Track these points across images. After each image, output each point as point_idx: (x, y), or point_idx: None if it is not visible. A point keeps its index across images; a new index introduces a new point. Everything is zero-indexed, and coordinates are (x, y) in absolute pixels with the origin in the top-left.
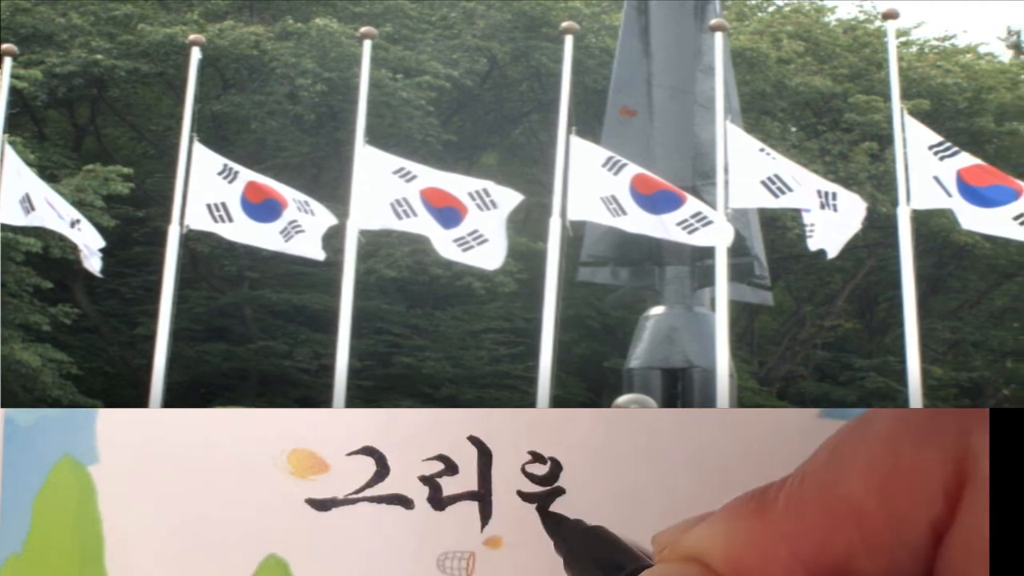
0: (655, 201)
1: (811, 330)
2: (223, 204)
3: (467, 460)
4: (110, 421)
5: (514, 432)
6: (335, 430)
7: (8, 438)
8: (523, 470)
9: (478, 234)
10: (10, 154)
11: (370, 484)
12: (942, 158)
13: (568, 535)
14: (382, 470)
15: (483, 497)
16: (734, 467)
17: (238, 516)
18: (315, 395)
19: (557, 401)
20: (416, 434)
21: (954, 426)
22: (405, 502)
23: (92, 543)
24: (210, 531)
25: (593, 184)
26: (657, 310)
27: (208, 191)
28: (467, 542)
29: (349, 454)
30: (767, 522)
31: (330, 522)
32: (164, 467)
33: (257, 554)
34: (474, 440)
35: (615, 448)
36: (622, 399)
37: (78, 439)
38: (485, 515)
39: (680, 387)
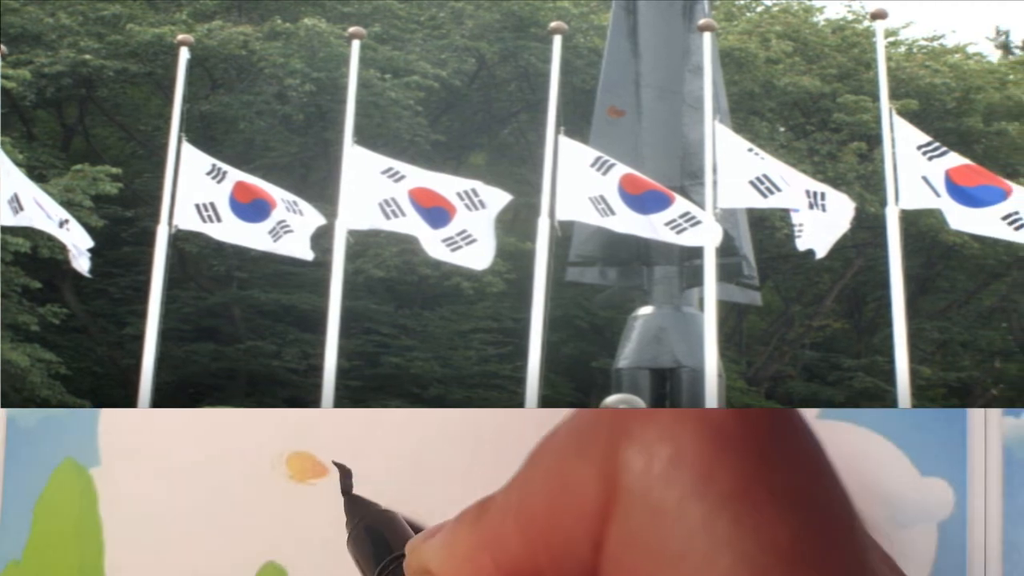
0: (643, 201)
1: (799, 330)
2: (212, 204)
3: (468, 460)
4: (112, 422)
5: (517, 431)
6: (335, 431)
7: (10, 440)
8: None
9: (466, 234)
10: None
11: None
12: (931, 158)
13: (357, 514)
14: (380, 479)
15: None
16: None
17: (237, 522)
18: (303, 395)
19: (545, 401)
20: (416, 434)
21: (605, 439)
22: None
23: (92, 549)
24: (209, 538)
25: (581, 184)
26: (645, 310)
27: (197, 191)
28: None
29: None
30: (479, 530)
31: (327, 529)
32: (164, 471)
33: (256, 561)
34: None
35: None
36: (610, 399)
37: (80, 441)
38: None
39: (668, 387)
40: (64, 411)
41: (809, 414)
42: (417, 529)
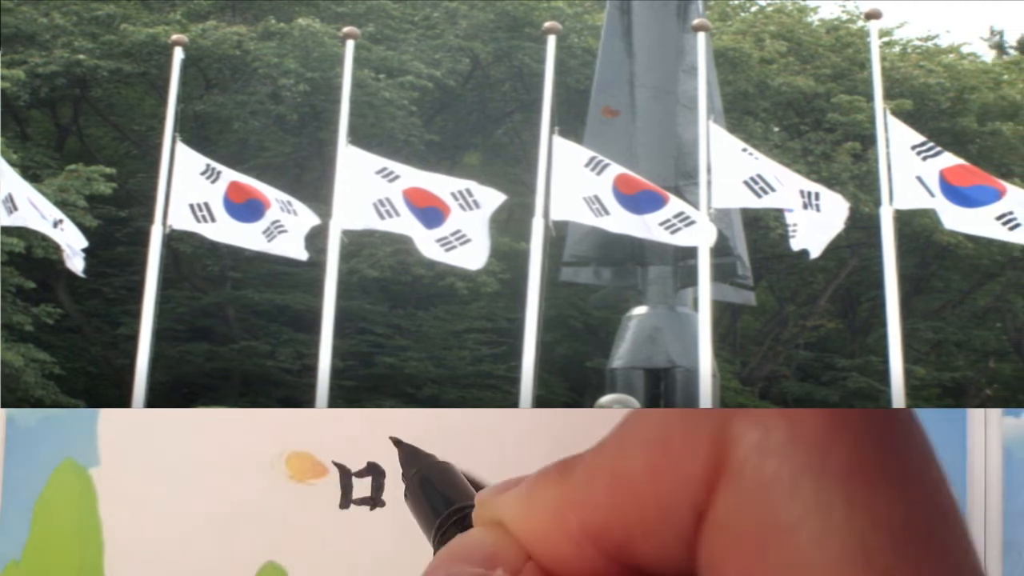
0: (638, 201)
1: (794, 330)
2: (206, 204)
3: (468, 462)
4: (111, 422)
5: (529, 434)
6: (335, 432)
7: (10, 440)
8: None
9: (461, 234)
10: None
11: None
12: (925, 158)
13: (414, 465)
14: (380, 480)
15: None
16: None
17: (236, 522)
18: (298, 395)
19: (539, 401)
20: (419, 435)
21: (721, 415)
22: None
23: (92, 550)
24: (209, 538)
25: (576, 184)
26: (640, 310)
27: (191, 191)
28: None
29: (356, 473)
30: (564, 491)
31: (328, 529)
32: (164, 471)
33: (256, 561)
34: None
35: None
36: (605, 399)
37: (79, 441)
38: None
39: (663, 387)
40: (64, 411)
41: None
42: (474, 483)
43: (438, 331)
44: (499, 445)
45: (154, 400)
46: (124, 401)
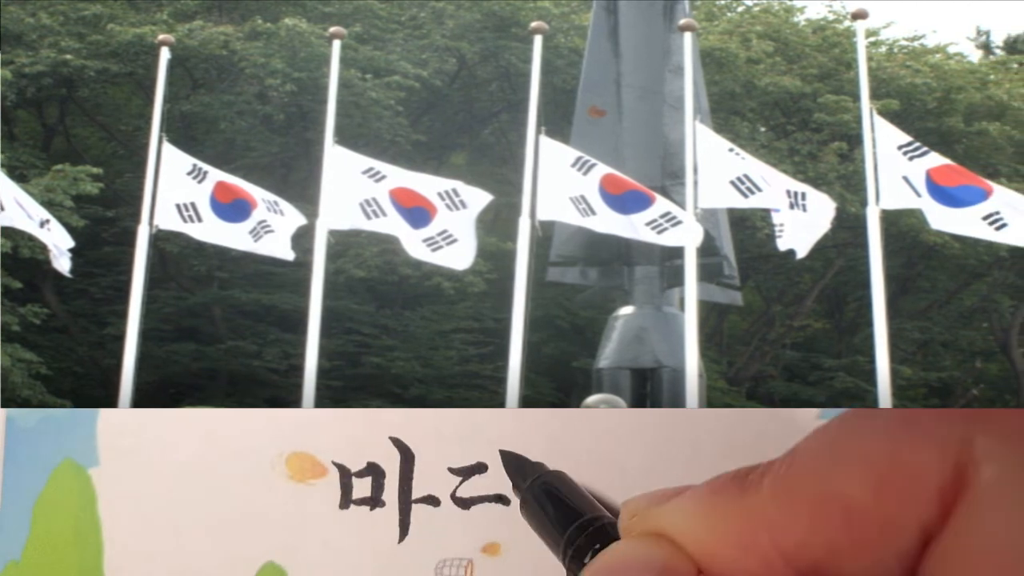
0: (624, 201)
1: (780, 330)
2: (192, 204)
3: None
4: (111, 422)
5: (530, 435)
6: (335, 432)
7: (9, 440)
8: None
9: (447, 234)
10: None
11: (372, 493)
12: (911, 158)
13: (528, 477)
14: (380, 480)
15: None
16: (732, 468)
17: (236, 523)
18: (284, 395)
19: (526, 401)
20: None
21: (959, 428)
22: (405, 509)
23: (91, 550)
24: (208, 539)
25: (562, 184)
26: (626, 310)
27: (177, 191)
28: (465, 549)
29: (356, 473)
30: (750, 507)
31: (327, 529)
32: (164, 471)
33: (255, 561)
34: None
35: (607, 448)
36: (591, 399)
37: (79, 441)
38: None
39: (649, 387)
40: (63, 411)
41: (809, 414)
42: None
43: (425, 331)
44: (504, 446)
45: (141, 400)
46: (111, 401)
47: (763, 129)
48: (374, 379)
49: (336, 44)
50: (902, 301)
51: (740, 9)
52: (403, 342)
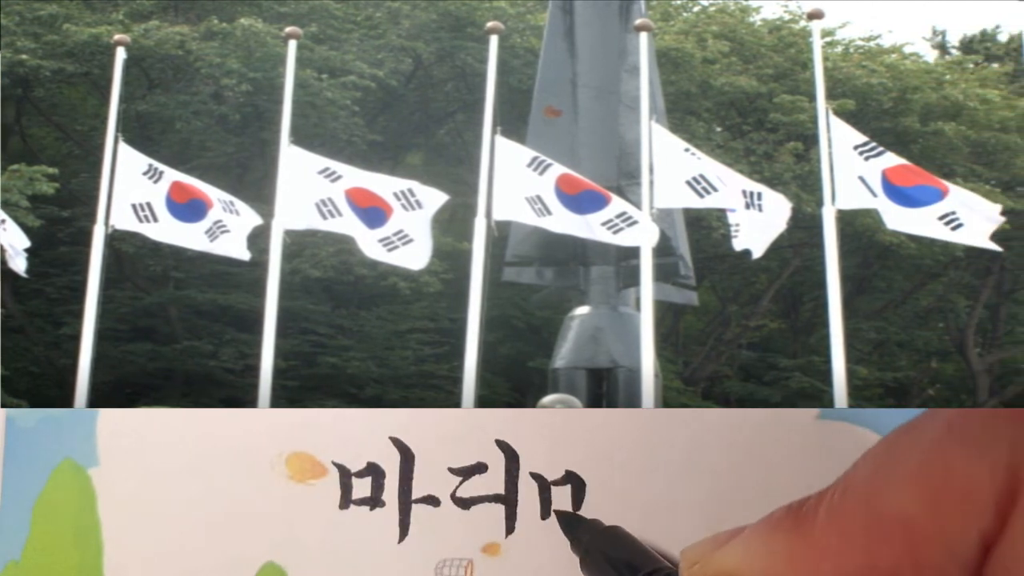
0: (580, 201)
1: (736, 330)
2: (148, 204)
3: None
4: (111, 422)
5: (529, 434)
6: (335, 432)
7: (9, 440)
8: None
9: (403, 234)
10: None
11: (372, 493)
12: (867, 158)
13: (585, 534)
14: (380, 480)
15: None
16: (730, 468)
17: (236, 522)
18: (240, 395)
19: (482, 401)
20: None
21: (1005, 430)
22: (404, 509)
23: (91, 550)
24: (208, 539)
25: (518, 184)
26: (582, 310)
27: (133, 191)
28: (465, 549)
29: (356, 473)
30: (807, 537)
31: (327, 529)
32: (164, 471)
33: (255, 561)
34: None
35: (607, 448)
36: (547, 399)
37: (79, 441)
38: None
39: (605, 387)
40: (63, 411)
41: (809, 415)
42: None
43: (380, 331)
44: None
45: (97, 400)
46: (66, 401)
47: (719, 129)
48: (330, 379)
49: (292, 44)
50: (858, 301)
51: (696, 9)
52: (359, 342)
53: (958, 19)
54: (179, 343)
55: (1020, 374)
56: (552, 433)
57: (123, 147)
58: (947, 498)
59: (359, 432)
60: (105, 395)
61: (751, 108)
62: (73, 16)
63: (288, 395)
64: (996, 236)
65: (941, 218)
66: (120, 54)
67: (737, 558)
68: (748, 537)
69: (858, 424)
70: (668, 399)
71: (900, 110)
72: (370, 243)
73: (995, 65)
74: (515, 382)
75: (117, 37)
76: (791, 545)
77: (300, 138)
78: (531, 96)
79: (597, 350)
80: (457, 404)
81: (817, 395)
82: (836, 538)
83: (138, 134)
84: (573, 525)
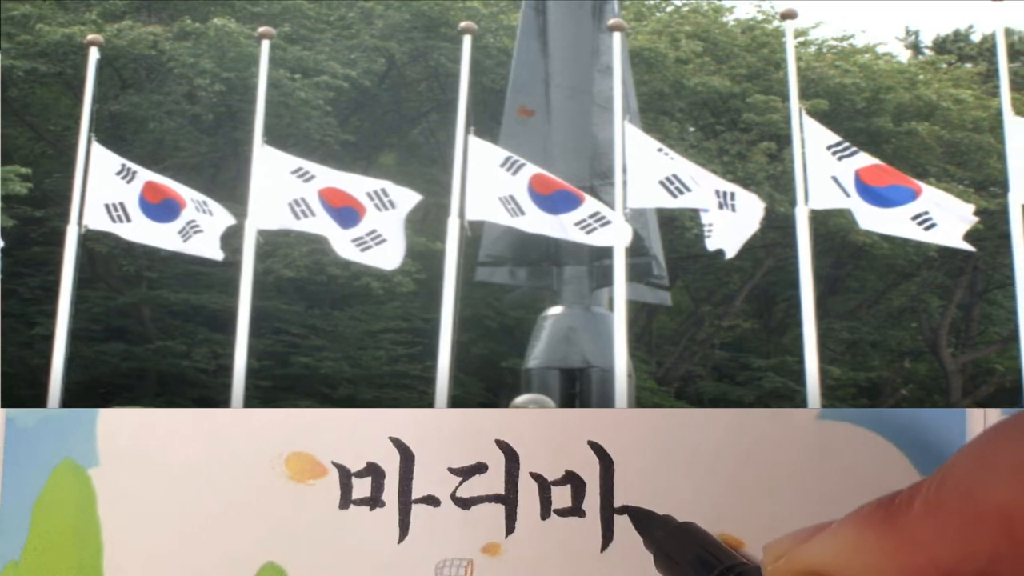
0: (553, 201)
1: (709, 330)
2: (121, 204)
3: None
4: (111, 422)
5: (529, 434)
6: (335, 432)
7: (8, 440)
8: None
9: (376, 234)
10: None
11: (372, 493)
12: (840, 158)
13: (658, 531)
14: (380, 480)
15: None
16: (732, 468)
17: (236, 522)
18: (213, 395)
19: (455, 401)
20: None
21: None
22: (405, 509)
23: (91, 550)
24: (208, 539)
25: (491, 184)
26: (555, 310)
27: (106, 191)
28: (465, 549)
29: (356, 473)
30: (901, 530)
31: (327, 530)
32: (163, 471)
33: (255, 561)
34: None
35: (607, 448)
36: (520, 399)
37: (79, 441)
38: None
39: (578, 387)
40: (63, 411)
41: (809, 415)
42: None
43: (353, 331)
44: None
45: (70, 400)
46: (39, 401)
47: (692, 129)
48: (303, 379)
49: (265, 44)
50: (831, 301)
51: (669, 9)
52: (332, 342)
53: (931, 19)
54: (152, 343)
55: (993, 374)
56: (552, 433)
57: (96, 147)
58: None
59: (359, 432)
60: (78, 395)
61: (724, 108)
62: (46, 16)
63: (261, 395)
64: (969, 236)
65: (914, 218)
66: (93, 54)
67: (826, 552)
68: (836, 531)
69: (858, 424)
70: (641, 399)
71: (873, 110)
72: (343, 243)
73: (968, 65)
74: (488, 382)
75: (90, 37)
76: (883, 537)
77: (273, 138)
78: (504, 96)
79: (570, 350)
80: (430, 404)
81: (790, 395)
82: (932, 530)
83: (111, 134)
84: (646, 522)
